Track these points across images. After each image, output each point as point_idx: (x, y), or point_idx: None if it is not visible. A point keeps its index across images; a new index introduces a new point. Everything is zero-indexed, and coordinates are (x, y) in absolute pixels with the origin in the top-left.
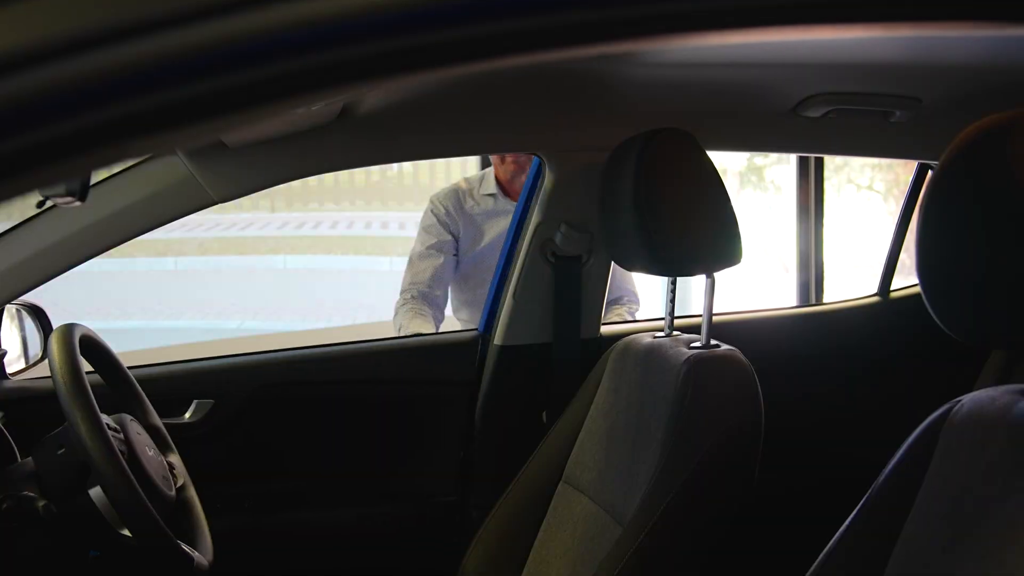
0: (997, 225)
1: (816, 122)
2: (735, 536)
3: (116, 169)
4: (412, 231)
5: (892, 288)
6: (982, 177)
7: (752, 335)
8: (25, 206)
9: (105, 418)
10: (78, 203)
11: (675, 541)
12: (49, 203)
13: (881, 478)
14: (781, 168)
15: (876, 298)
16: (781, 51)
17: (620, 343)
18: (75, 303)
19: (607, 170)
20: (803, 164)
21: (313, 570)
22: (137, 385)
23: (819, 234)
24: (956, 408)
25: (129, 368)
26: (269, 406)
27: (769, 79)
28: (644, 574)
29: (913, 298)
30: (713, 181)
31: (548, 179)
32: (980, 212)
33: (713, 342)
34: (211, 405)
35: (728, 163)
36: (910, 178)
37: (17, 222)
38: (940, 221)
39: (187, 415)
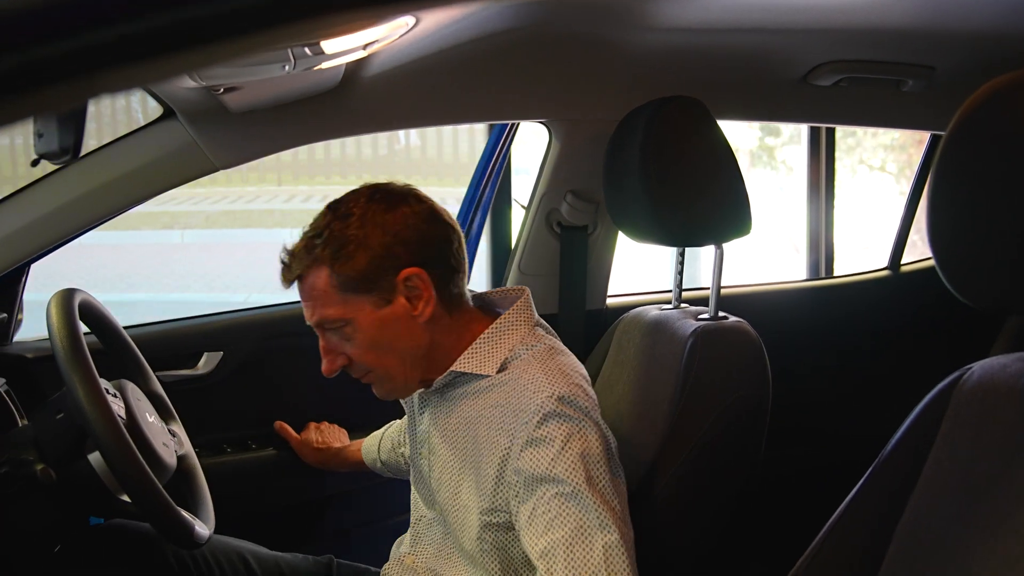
0: (1011, 186)
1: (827, 91)
2: (741, 508)
3: (117, 135)
4: None
5: (903, 262)
6: (995, 138)
7: (762, 308)
8: (25, 174)
9: (105, 383)
10: (71, 160)
11: (680, 512)
12: (49, 162)
13: (889, 446)
14: (792, 148)
15: (887, 272)
16: (791, 17)
17: (627, 315)
18: (81, 275)
19: (615, 139)
20: (814, 143)
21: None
22: (137, 351)
23: (829, 213)
24: (966, 375)
25: (142, 325)
26: (270, 356)
27: (779, 46)
28: (648, 546)
29: (924, 272)
30: (723, 150)
31: (554, 148)
32: (993, 174)
33: (721, 314)
34: (220, 356)
35: (739, 142)
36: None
37: (15, 189)
38: (952, 185)
39: (199, 366)
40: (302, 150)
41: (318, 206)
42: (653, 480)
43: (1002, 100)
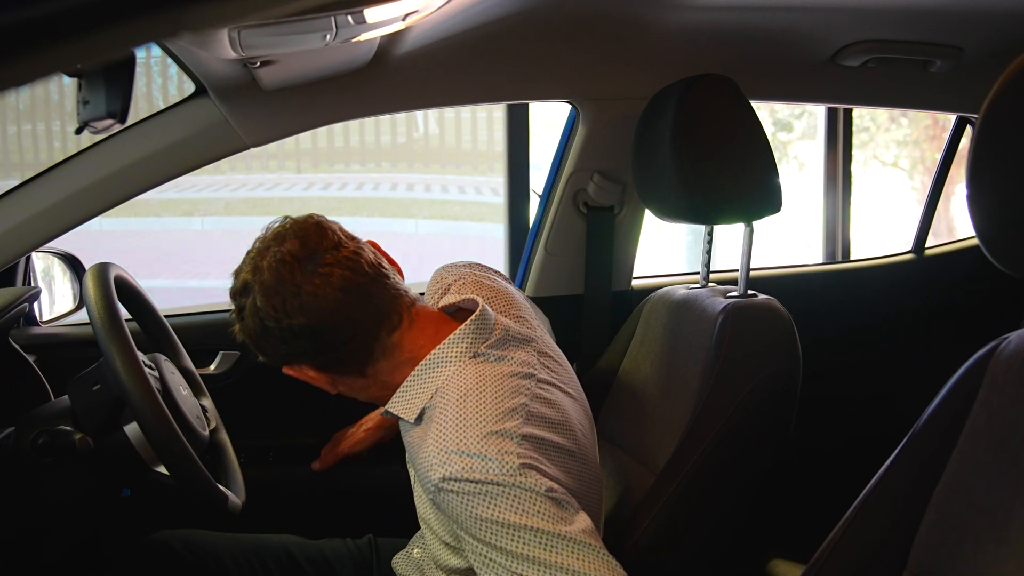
0: None
1: (854, 72)
2: (771, 483)
3: (148, 113)
4: (437, 194)
5: (927, 245)
6: None
7: (786, 289)
8: (47, 160)
9: (140, 356)
10: (118, 126)
11: (710, 489)
12: (92, 130)
13: (925, 415)
14: (805, 144)
15: (911, 255)
16: None
17: (655, 294)
18: (101, 261)
19: (645, 116)
20: (831, 135)
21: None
22: (169, 327)
23: (846, 206)
24: (1003, 345)
25: None
26: None
27: (808, 25)
28: (678, 521)
29: (948, 255)
30: (754, 128)
31: (582, 128)
32: None
33: (750, 292)
34: (237, 357)
35: None
36: (936, 155)
37: (47, 167)
38: (995, 154)
39: (212, 366)
40: (321, 138)
41: (337, 194)
42: (682, 457)
43: None
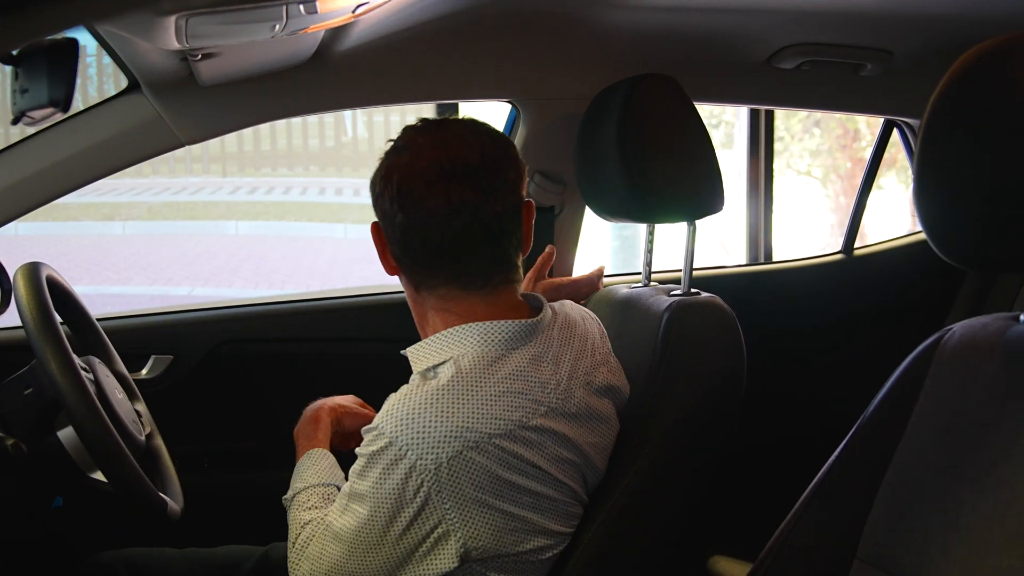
0: (1001, 146)
1: (789, 75)
2: (719, 481)
3: (79, 108)
4: (365, 198)
5: (856, 246)
6: (985, 98)
7: (718, 289)
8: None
9: (75, 358)
10: (59, 115)
11: (658, 485)
12: (27, 121)
13: (871, 407)
14: (721, 153)
15: (840, 255)
16: None
17: (596, 294)
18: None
19: (589, 116)
20: (754, 143)
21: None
22: (102, 330)
23: (769, 211)
24: (947, 336)
25: None
26: (231, 362)
27: (744, 28)
28: (626, 524)
29: (876, 256)
30: (698, 127)
31: (522, 128)
32: (983, 135)
33: (693, 290)
34: (170, 361)
35: None
36: (847, 164)
37: None
38: (940, 151)
39: (144, 371)
40: (247, 141)
41: (264, 198)
42: (631, 455)
43: (990, 61)
